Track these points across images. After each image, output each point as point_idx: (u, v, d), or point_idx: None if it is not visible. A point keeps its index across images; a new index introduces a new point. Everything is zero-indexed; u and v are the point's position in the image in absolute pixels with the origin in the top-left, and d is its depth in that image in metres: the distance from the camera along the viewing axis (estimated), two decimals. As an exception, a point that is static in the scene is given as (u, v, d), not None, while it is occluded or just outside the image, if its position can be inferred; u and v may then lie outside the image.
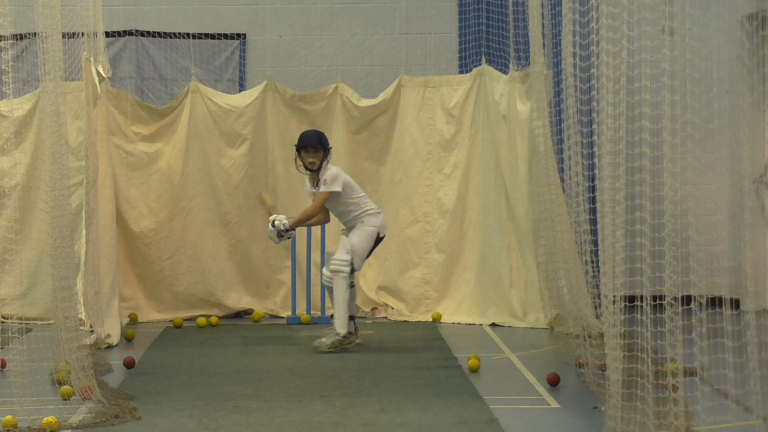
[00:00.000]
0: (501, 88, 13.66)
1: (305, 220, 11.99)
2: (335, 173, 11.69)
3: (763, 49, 6.67)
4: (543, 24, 12.35)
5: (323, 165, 11.74)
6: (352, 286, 11.74)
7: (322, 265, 13.96)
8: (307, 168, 11.79)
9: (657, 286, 7.38)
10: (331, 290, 11.79)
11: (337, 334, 11.61)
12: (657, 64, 7.14)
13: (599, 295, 12.20)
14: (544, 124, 12.57)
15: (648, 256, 7.32)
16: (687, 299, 7.06)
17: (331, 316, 12.16)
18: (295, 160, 11.88)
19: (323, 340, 11.63)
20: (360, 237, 11.69)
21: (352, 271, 11.66)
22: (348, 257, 11.60)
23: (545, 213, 12.81)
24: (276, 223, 11.91)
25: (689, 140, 6.80)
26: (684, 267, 7.05)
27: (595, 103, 8.06)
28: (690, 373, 7.72)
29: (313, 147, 11.74)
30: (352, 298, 11.75)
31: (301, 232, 13.94)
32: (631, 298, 7.73)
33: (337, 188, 11.66)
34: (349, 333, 11.68)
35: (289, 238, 12.10)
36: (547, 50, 12.73)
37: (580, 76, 9.80)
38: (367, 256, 11.83)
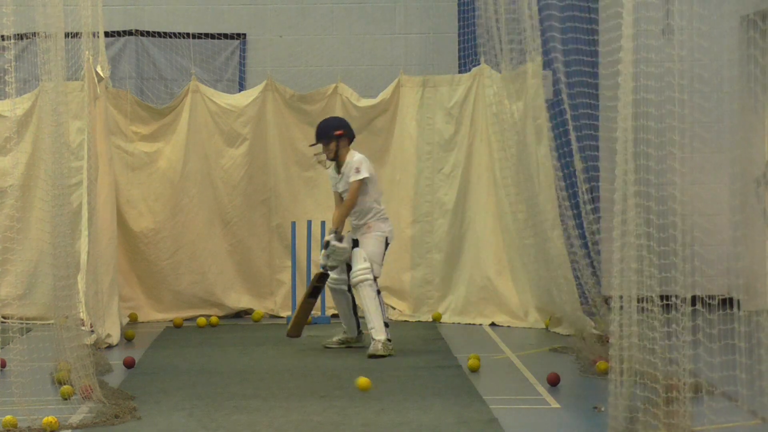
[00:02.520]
0: (494, 88, 13.63)
1: (346, 216, 11.57)
2: (361, 159, 11.53)
3: None
4: (540, 22, 12.33)
5: (342, 152, 11.57)
6: (378, 293, 11.45)
7: (323, 264, 13.96)
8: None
9: (662, 286, 7.37)
10: (338, 293, 11.73)
11: (379, 340, 11.30)
12: (661, 63, 7.13)
13: (598, 296, 12.24)
14: (541, 124, 12.53)
15: (653, 257, 7.31)
16: (692, 300, 7.06)
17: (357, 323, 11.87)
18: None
19: (379, 347, 11.26)
20: (372, 244, 11.51)
21: (374, 278, 11.44)
22: (367, 264, 11.38)
23: (535, 215, 12.79)
24: (333, 242, 11.49)
25: (697, 139, 6.79)
26: (689, 267, 7.04)
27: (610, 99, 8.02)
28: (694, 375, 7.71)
29: (320, 142, 11.60)
30: (382, 303, 11.42)
31: (300, 231, 13.93)
32: (637, 299, 7.71)
33: (366, 174, 11.47)
34: (388, 339, 11.38)
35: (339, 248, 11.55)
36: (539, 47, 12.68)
37: (590, 73, 9.73)
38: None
